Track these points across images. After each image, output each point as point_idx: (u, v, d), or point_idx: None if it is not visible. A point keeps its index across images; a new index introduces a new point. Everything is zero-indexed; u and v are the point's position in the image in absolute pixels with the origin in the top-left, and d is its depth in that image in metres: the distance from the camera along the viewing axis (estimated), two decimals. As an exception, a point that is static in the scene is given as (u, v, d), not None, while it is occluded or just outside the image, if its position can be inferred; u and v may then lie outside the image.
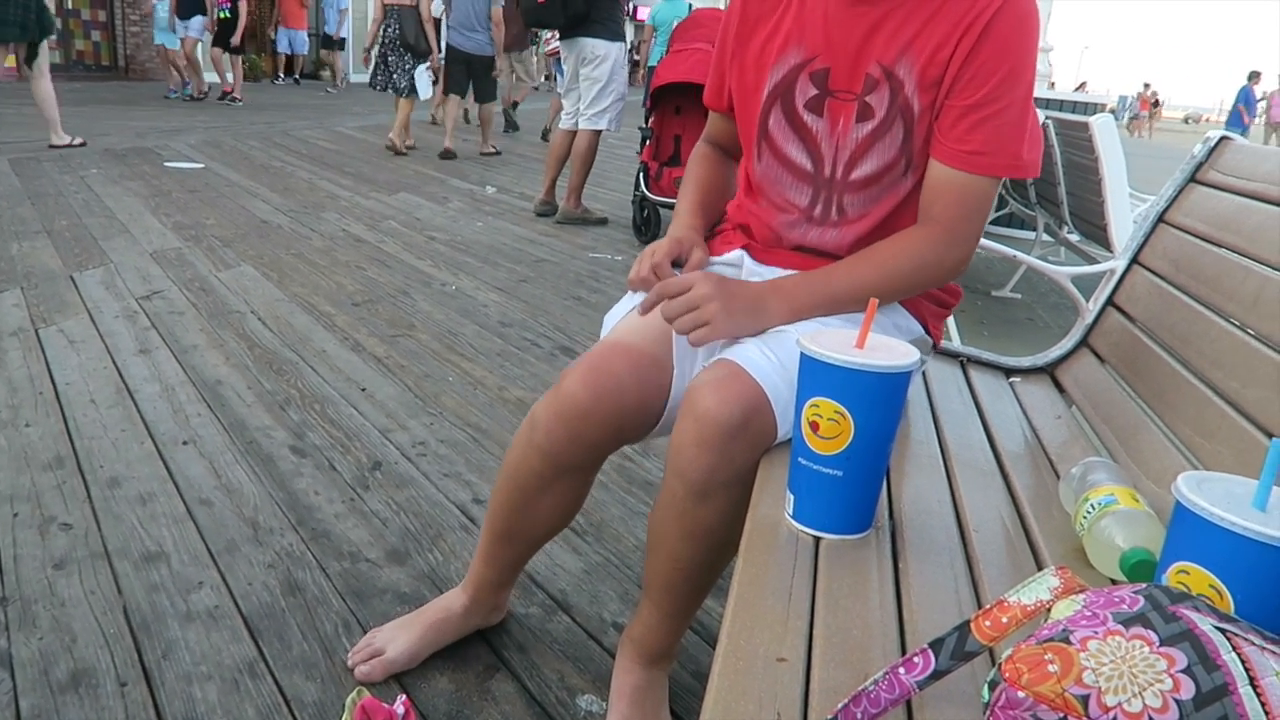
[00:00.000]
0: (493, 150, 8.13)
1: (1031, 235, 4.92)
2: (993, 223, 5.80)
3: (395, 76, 7.45)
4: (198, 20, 10.73)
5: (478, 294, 3.61)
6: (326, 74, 17.60)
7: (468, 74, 7.40)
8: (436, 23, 7.57)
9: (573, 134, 5.18)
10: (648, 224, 5.03)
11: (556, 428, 1.22)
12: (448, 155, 7.60)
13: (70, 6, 13.71)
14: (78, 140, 6.48)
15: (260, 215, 4.83)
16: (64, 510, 1.79)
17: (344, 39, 14.62)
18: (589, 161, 5.19)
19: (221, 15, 11.08)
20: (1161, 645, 0.56)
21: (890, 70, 1.17)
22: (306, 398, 2.44)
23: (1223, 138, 1.57)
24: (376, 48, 7.57)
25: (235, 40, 11.17)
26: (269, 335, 2.92)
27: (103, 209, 4.61)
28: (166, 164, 6.23)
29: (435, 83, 7.89)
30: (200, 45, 11.17)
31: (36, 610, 1.48)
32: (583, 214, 5.28)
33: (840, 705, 0.65)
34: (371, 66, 7.69)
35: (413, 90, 7.42)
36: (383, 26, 7.47)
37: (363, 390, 2.53)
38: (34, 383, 2.40)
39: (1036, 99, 5.67)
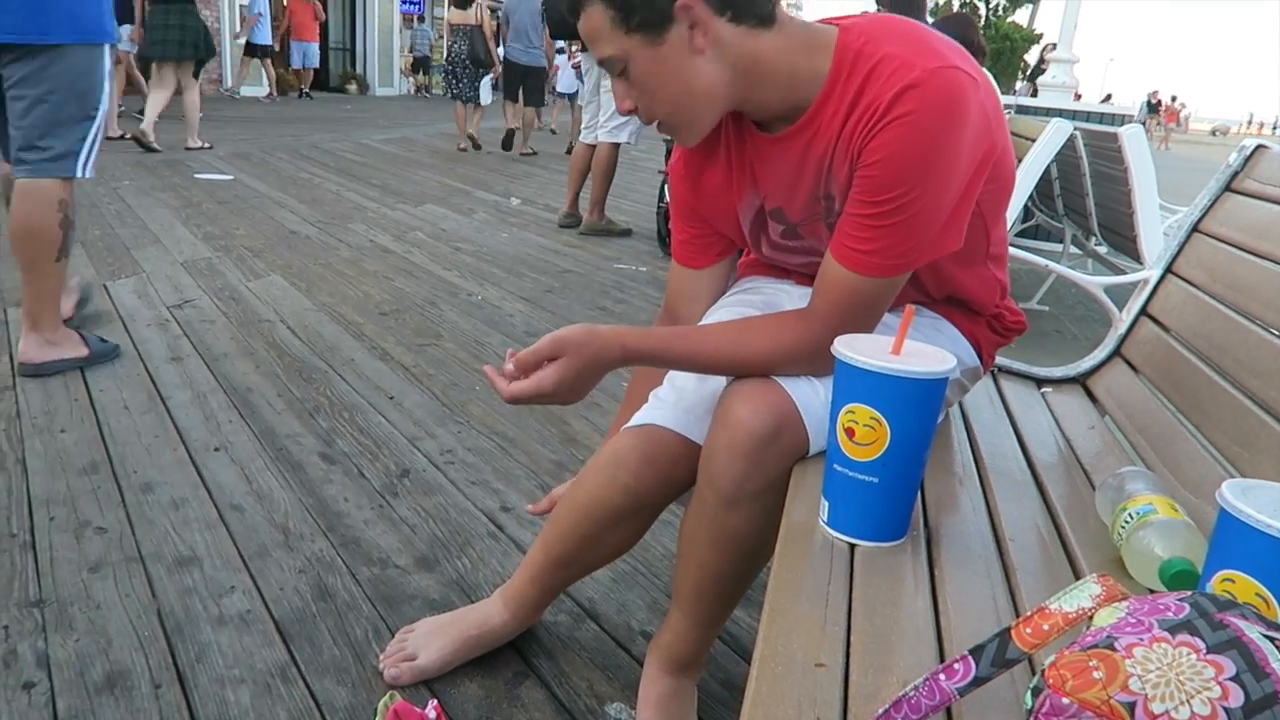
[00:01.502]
0: (530, 151, 9.20)
1: (1058, 247, 4.88)
2: (1019, 234, 5.77)
3: (462, 86, 8.86)
4: (125, 30, 7.94)
5: (504, 304, 3.63)
6: (352, 88, 17.74)
7: (520, 82, 8.55)
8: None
9: (593, 147, 5.21)
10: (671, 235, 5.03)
11: (645, 470, 1.23)
12: (508, 144, 9.25)
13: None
14: (207, 145, 7.48)
15: (289, 226, 4.88)
16: (99, 514, 1.81)
17: (269, 46, 13.93)
18: (609, 174, 5.21)
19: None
20: (1209, 653, 0.55)
21: (829, 193, 1.12)
22: (335, 405, 2.46)
23: (1258, 146, 1.56)
24: (445, 64, 9.06)
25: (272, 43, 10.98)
26: (298, 344, 2.95)
27: (135, 220, 4.67)
28: (196, 175, 6.31)
29: (495, 89, 9.23)
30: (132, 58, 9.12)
31: (73, 613, 1.50)
32: (606, 225, 5.30)
33: (880, 711, 0.64)
34: (446, 80, 9.28)
35: (478, 98, 8.84)
36: (451, 44, 8.84)
37: (391, 398, 2.55)
38: (69, 389, 2.43)
39: (1062, 111, 5.61)
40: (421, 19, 21.41)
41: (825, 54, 1.06)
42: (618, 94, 1.12)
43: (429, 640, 1.42)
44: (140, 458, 2.07)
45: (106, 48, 2.42)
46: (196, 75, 7.18)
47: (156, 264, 3.83)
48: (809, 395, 1.07)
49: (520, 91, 8.69)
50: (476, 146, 9.21)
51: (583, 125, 5.33)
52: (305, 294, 3.56)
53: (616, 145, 5.14)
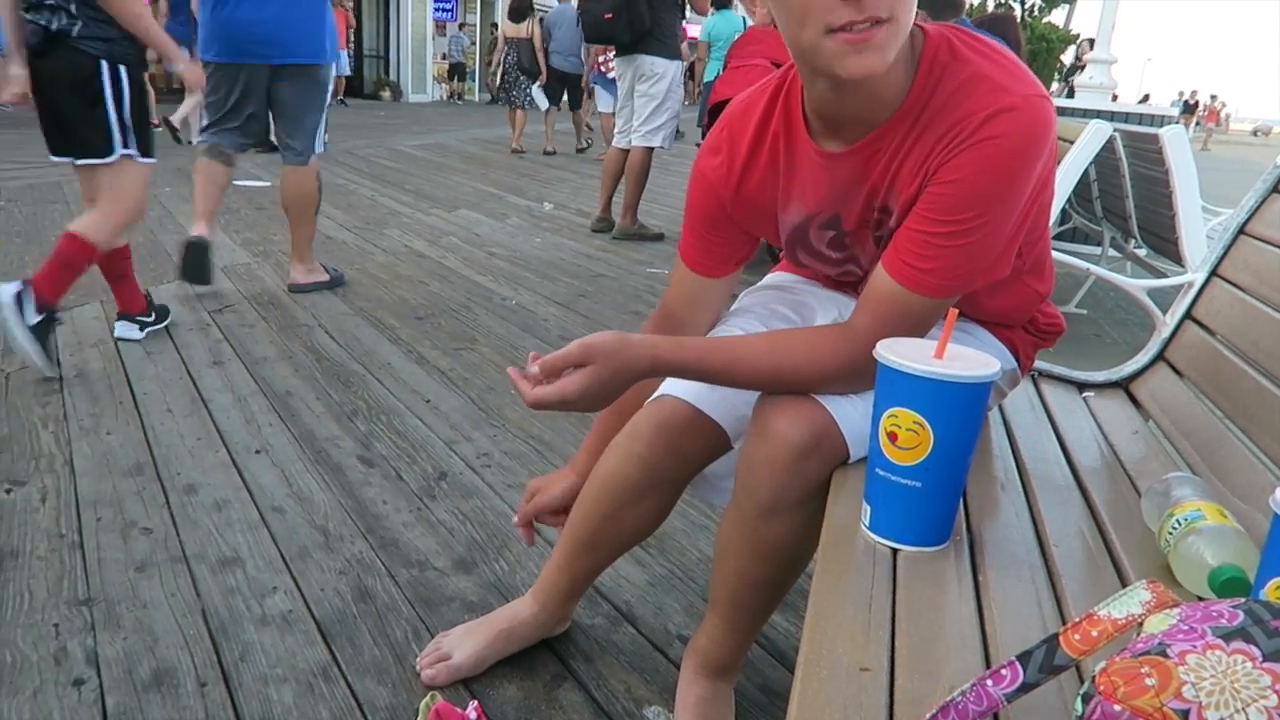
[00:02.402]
0: (586, 145, 10.60)
1: (1097, 250, 4.82)
2: (1056, 238, 5.70)
3: (514, 94, 9.76)
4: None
5: (538, 308, 3.65)
6: (386, 94, 17.89)
7: (563, 88, 9.52)
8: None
9: (626, 152, 5.22)
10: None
11: (658, 440, 1.23)
12: (549, 153, 10.04)
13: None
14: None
15: (325, 231, 4.93)
16: (144, 515, 1.84)
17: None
18: (643, 179, 5.22)
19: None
20: (1265, 660, 0.54)
21: (886, 206, 1.09)
22: (373, 409, 2.49)
23: (1306, 147, 1.53)
24: (500, 72, 9.96)
25: None
26: (336, 348, 2.98)
27: (176, 226, 4.75)
28: (235, 182, 6.38)
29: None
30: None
31: (120, 611, 1.53)
32: (639, 230, 5.31)
33: (928, 715, 0.64)
34: (496, 86, 10.67)
35: (533, 103, 9.74)
36: (504, 54, 9.75)
37: (427, 402, 2.57)
38: (114, 392, 2.48)
39: (1100, 112, 5.53)
40: (461, 25, 21.58)
41: (912, 57, 1.01)
42: None
43: (463, 640, 1.43)
44: (184, 460, 2.10)
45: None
46: None
47: (197, 269, 3.89)
48: (846, 406, 1.06)
49: (565, 96, 9.60)
50: (519, 151, 10.02)
51: (616, 130, 5.35)
52: (342, 299, 3.60)
53: (650, 150, 5.15)
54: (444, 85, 21.44)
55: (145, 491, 1.94)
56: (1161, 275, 3.93)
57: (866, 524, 0.93)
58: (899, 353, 0.88)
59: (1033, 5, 15.79)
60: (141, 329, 2.95)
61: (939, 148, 0.99)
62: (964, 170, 0.97)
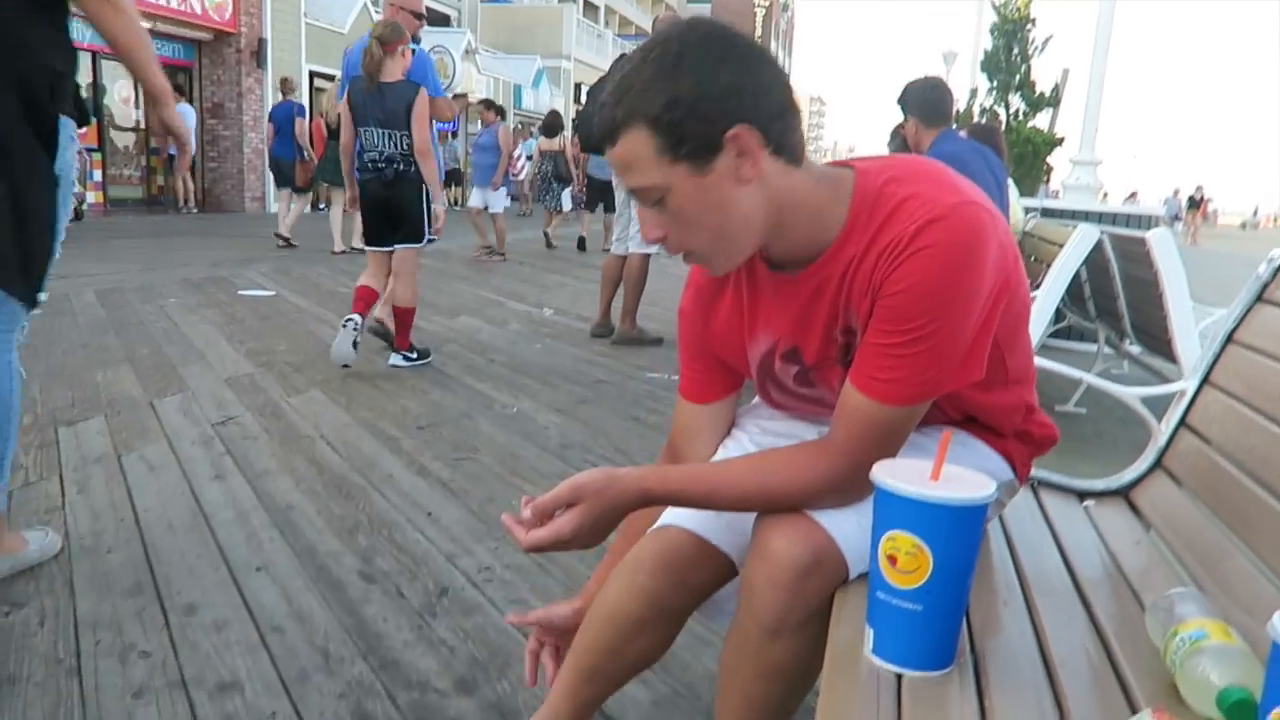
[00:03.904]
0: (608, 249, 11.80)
1: (1092, 348, 4.87)
2: (1052, 336, 5.76)
3: (546, 199, 12.05)
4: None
5: (538, 416, 3.67)
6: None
7: (600, 195, 9.86)
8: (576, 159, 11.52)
9: (624, 258, 5.33)
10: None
11: (662, 572, 1.21)
12: (582, 246, 11.79)
13: (153, 145, 14.66)
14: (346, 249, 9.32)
15: (328, 340, 4.97)
16: (143, 637, 1.82)
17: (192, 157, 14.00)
18: (641, 284, 5.31)
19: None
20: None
21: (849, 327, 1.13)
22: (374, 522, 2.48)
23: (1287, 257, 1.57)
24: (537, 180, 12.38)
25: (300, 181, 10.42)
26: (337, 460, 2.99)
27: (181, 337, 4.82)
28: (240, 292, 6.52)
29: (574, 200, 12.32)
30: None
31: (115, 741, 1.50)
32: (638, 335, 5.37)
33: None
34: (536, 191, 13.49)
35: (560, 206, 12.02)
36: (540, 164, 11.98)
37: (429, 514, 2.56)
38: (115, 509, 2.47)
39: (1087, 213, 5.66)
40: (454, 134, 22.22)
41: (845, 195, 1.10)
42: (648, 222, 1.10)
43: None
44: (184, 578, 2.09)
45: None
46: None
47: (201, 380, 3.93)
48: (843, 523, 1.07)
49: (600, 204, 10.11)
50: (550, 245, 11.74)
51: (614, 237, 5.47)
52: (344, 409, 3.62)
53: (647, 256, 5.25)
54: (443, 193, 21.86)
55: (145, 612, 1.92)
56: (1157, 374, 3.96)
57: (870, 648, 0.93)
58: (896, 475, 0.90)
59: (1017, 110, 16.30)
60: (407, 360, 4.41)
61: (881, 264, 1.05)
62: (906, 280, 1.02)
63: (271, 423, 3.38)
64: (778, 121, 1.04)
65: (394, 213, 4.27)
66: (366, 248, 4.47)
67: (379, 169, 4.20)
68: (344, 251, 9.33)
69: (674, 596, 1.23)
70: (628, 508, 1.14)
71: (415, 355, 4.44)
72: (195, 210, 14.88)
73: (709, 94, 1.00)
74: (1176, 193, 33.16)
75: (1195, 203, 32.24)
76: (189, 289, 6.50)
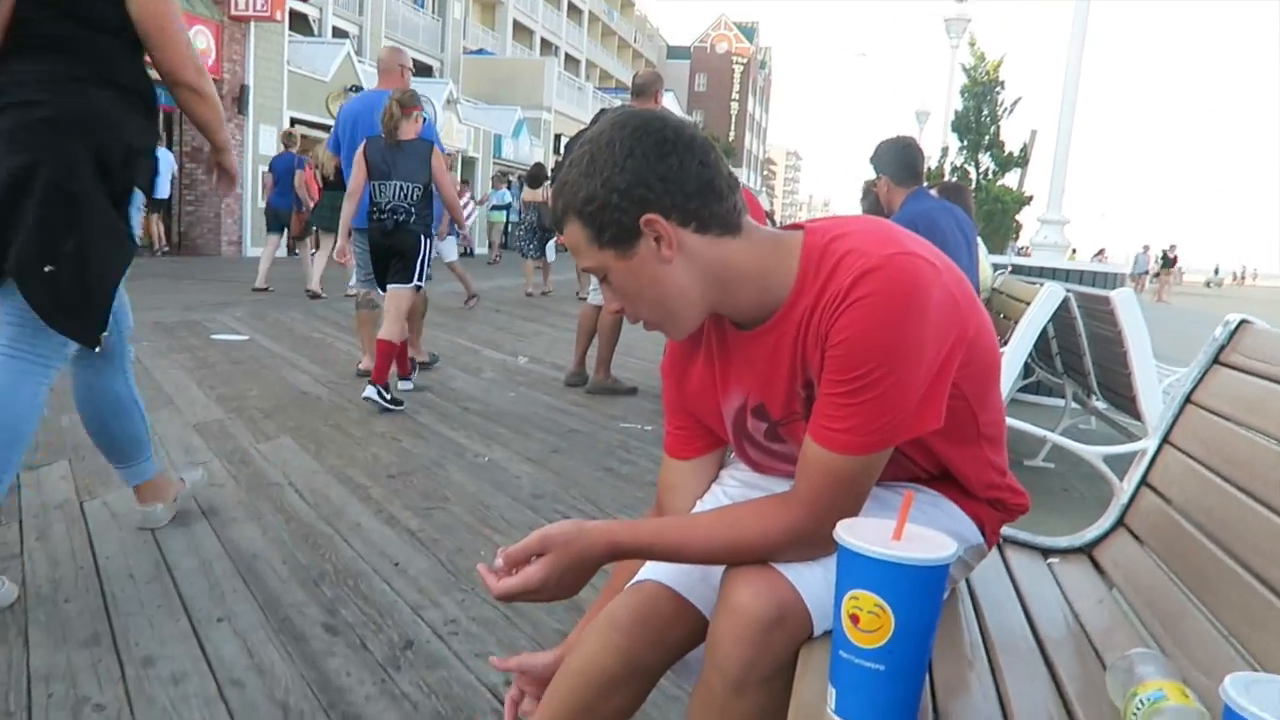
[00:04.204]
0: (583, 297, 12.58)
1: (1060, 403, 4.93)
2: (1021, 390, 5.83)
3: (531, 247, 11.98)
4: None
5: (510, 465, 3.65)
6: None
7: None
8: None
9: (599, 308, 5.35)
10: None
11: (638, 630, 1.20)
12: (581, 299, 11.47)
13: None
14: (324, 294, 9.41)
15: (300, 386, 4.96)
16: (98, 690, 1.78)
17: (168, 200, 14.00)
18: (615, 335, 5.33)
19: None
20: None
21: (809, 380, 1.15)
22: (341, 573, 2.45)
23: (1242, 321, 1.61)
24: (520, 229, 13.07)
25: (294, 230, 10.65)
26: (305, 508, 2.96)
27: (150, 381, 4.76)
28: (213, 336, 6.47)
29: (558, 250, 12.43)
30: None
31: (64, 799, 1.46)
32: (612, 384, 5.38)
33: None
34: (519, 242, 13.54)
35: (544, 254, 11.94)
36: (523, 215, 12.38)
37: (396, 565, 2.53)
38: (75, 556, 2.43)
39: (1055, 271, 5.77)
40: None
41: (793, 255, 1.14)
42: (606, 297, 1.21)
43: None
44: (143, 629, 2.05)
45: None
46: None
47: (169, 426, 3.89)
48: (809, 578, 1.08)
49: None
50: (543, 293, 12.06)
51: (591, 287, 5.50)
52: (314, 456, 3.59)
53: (622, 307, 5.29)
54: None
55: (100, 664, 1.88)
56: (1123, 430, 4.01)
57: (832, 707, 0.93)
58: (858, 534, 0.90)
59: (987, 169, 16.64)
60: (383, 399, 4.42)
61: (824, 317, 1.09)
62: (846, 330, 1.06)
63: (239, 470, 3.34)
64: (694, 200, 1.11)
65: (395, 257, 4.62)
66: (381, 292, 4.84)
67: (381, 219, 4.53)
68: (316, 296, 9.34)
69: (649, 655, 1.22)
70: (597, 560, 1.15)
71: (389, 398, 4.46)
72: (167, 252, 14.80)
73: (617, 188, 1.09)
74: (1146, 249, 33.75)
75: (1169, 261, 32.87)
76: (160, 332, 6.44)
